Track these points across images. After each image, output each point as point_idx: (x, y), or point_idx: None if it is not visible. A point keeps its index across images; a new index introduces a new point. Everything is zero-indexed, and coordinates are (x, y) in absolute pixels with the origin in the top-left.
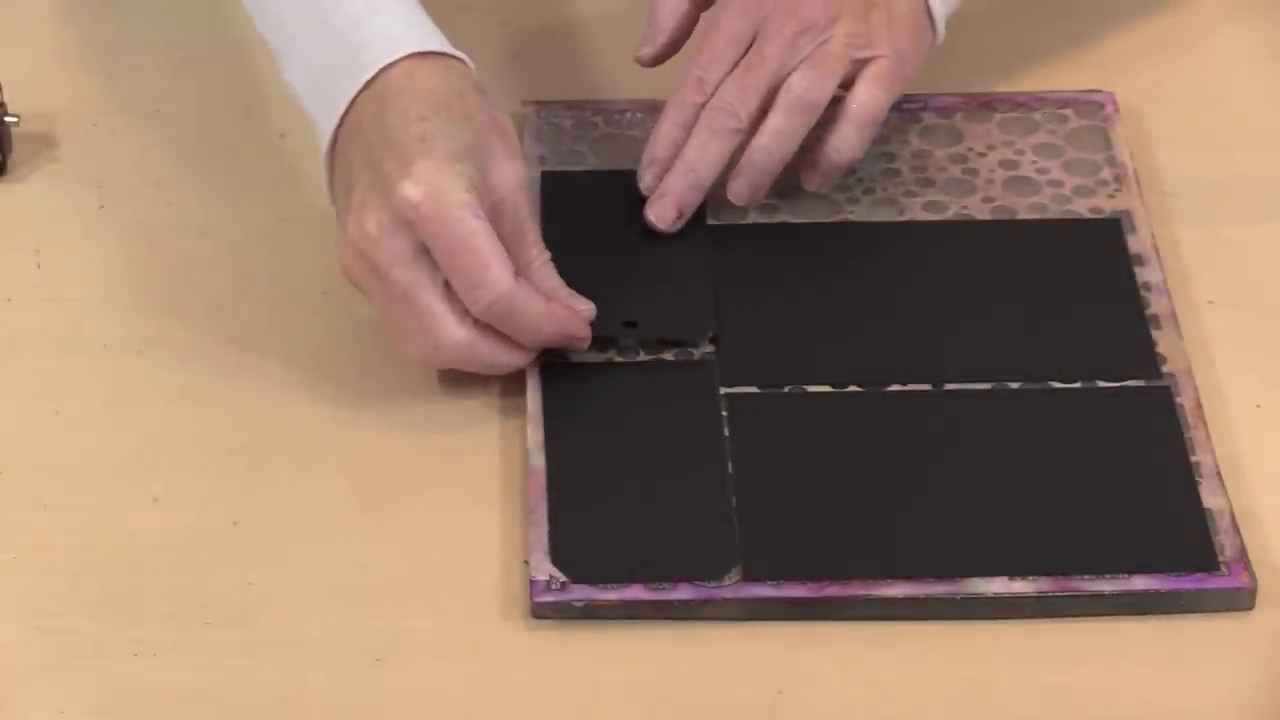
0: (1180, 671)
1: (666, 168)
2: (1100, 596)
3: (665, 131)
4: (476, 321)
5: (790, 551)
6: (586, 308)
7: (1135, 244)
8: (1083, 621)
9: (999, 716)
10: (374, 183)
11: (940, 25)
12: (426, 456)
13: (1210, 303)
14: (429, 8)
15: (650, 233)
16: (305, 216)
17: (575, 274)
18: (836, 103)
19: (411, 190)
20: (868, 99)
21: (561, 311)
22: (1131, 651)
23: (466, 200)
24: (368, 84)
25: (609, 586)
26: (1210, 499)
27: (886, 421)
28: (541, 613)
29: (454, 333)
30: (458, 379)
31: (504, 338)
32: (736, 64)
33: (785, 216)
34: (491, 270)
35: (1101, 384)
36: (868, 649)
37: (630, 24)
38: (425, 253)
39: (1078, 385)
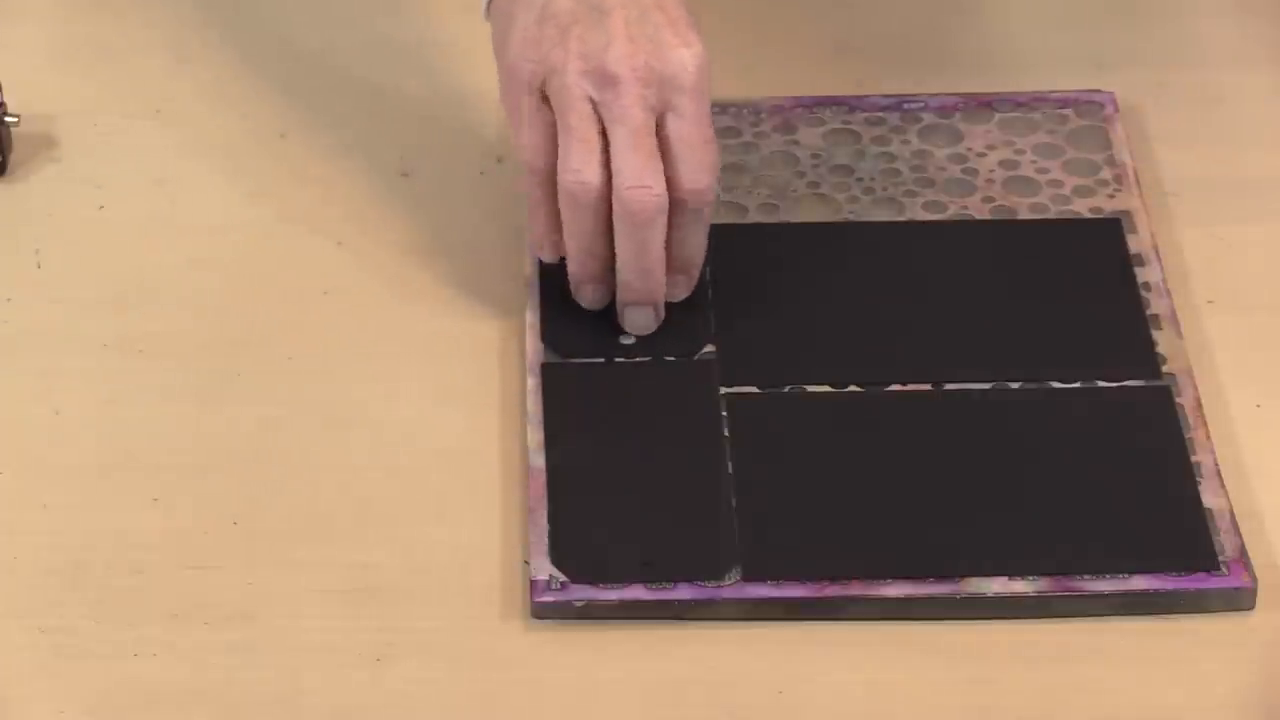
0: (1180, 671)
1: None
2: (1100, 596)
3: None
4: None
5: (790, 551)
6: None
7: (1135, 244)
8: (1083, 621)
9: (999, 716)
10: (642, 27)
11: None
12: (426, 456)
13: (1210, 303)
14: (429, 7)
15: None
16: (305, 216)
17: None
18: None
19: (692, 59)
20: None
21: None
22: (1131, 651)
23: None
24: None
25: (609, 586)
26: (1210, 499)
27: (886, 421)
28: (541, 613)
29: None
30: (457, 379)
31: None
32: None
33: (785, 216)
34: (717, 165)
35: (1101, 384)
36: (868, 649)
37: None
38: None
39: (1078, 385)
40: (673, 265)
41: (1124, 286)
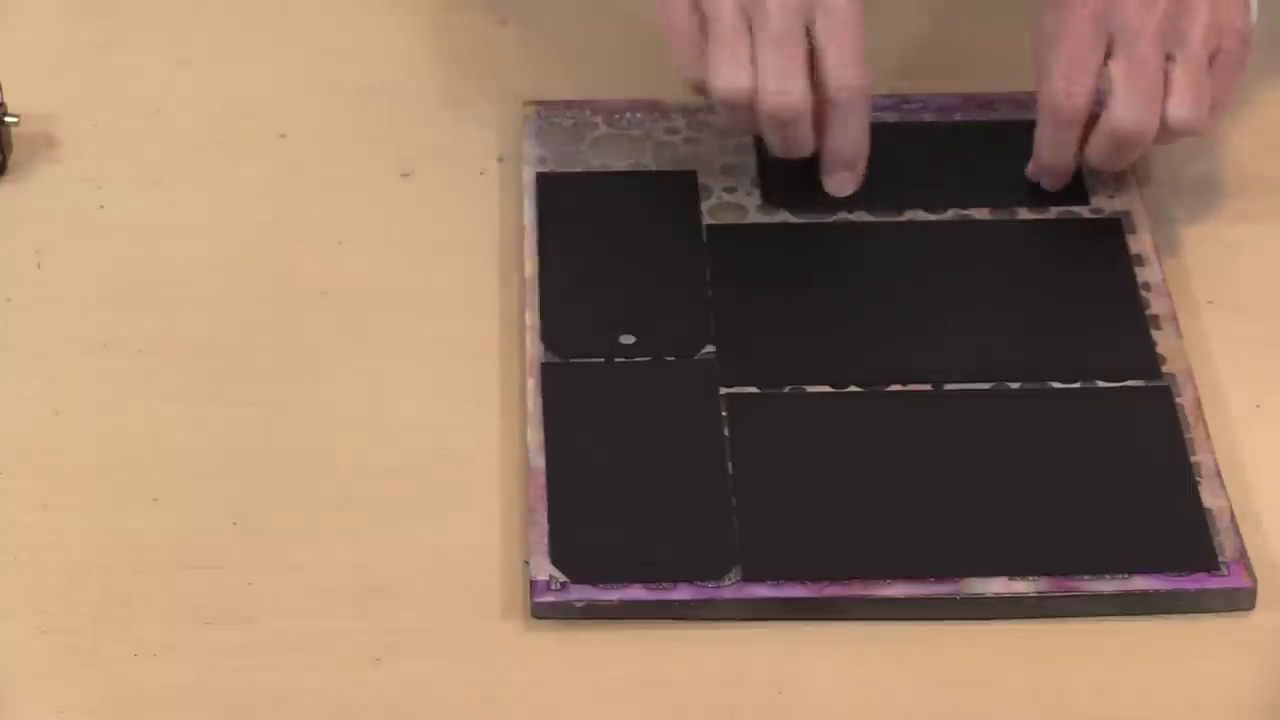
0: (1180, 671)
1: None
2: (1100, 596)
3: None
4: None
5: (790, 551)
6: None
7: (1135, 244)
8: (1083, 621)
9: (999, 716)
10: None
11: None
12: (426, 456)
13: (1210, 303)
14: (428, 7)
15: (649, 235)
16: (305, 217)
17: (573, 276)
18: None
19: None
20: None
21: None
22: (1131, 651)
23: None
24: None
25: (609, 586)
26: (1210, 499)
27: (886, 421)
28: (541, 613)
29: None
30: (457, 379)
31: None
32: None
33: (785, 216)
34: (863, 69)
35: (1101, 384)
36: (868, 649)
37: (630, 24)
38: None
39: (1078, 385)
40: (835, 162)
41: (1124, 286)
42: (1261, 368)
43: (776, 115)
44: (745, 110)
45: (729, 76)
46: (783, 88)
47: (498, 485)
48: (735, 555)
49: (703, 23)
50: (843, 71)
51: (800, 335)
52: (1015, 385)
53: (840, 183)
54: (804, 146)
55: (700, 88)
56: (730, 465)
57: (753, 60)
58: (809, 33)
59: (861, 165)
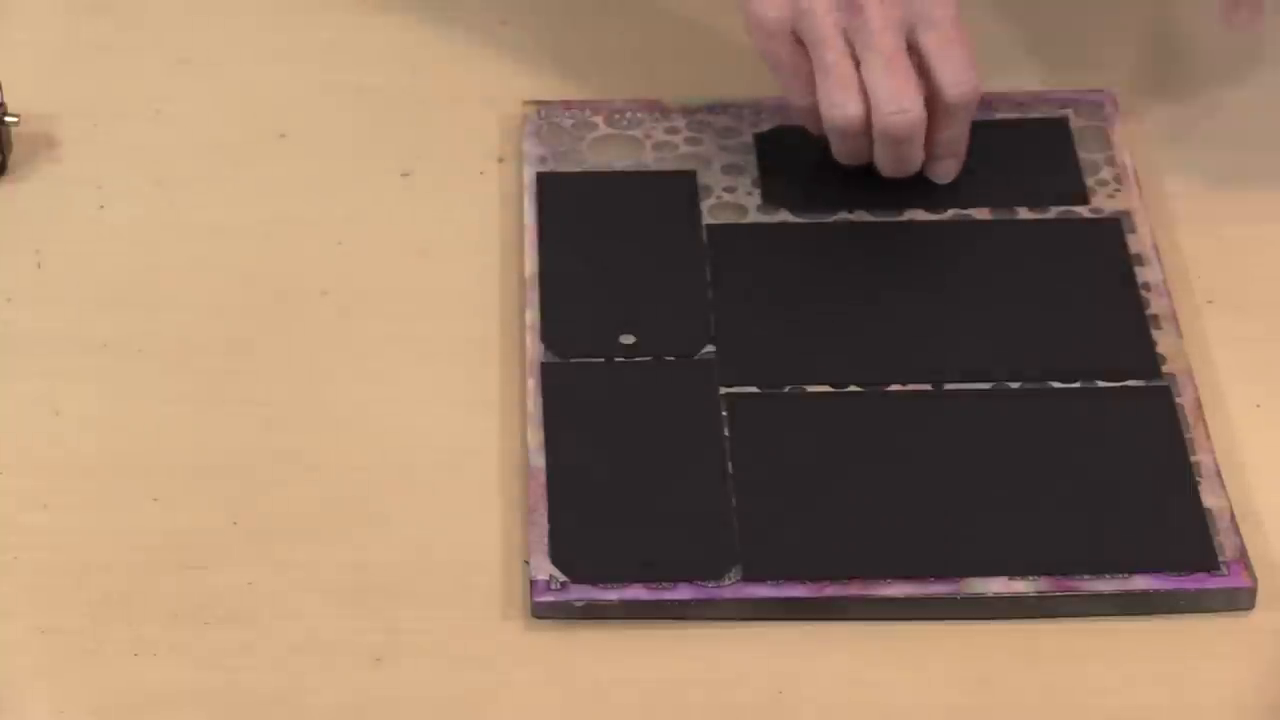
0: (1180, 671)
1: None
2: (1100, 596)
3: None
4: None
5: (790, 551)
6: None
7: (1135, 244)
8: (1083, 621)
9: (999, 716)
10: None
11: None
12: (426, 456)
13: (1210, 303)
14: (428, 7)
15: (648, 235)
16: (305, 217)
17: (573, 276)
18: None
19: None
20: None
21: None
22: (1131, 651)
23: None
24: None
25: (609, 586)
26: (1210, 499)
27: (886, 421)
28: (541, 613)
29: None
30: (457, 379)
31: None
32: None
33: (785, 216)
34: (975, 62)
35: (1101, 384)
36: (868, 649)
37: (630, 24)
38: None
39: (1078, 385)
40: (945, 151)
41: (1124, 286)
42: (1261, 368)
43: (895, 133)
44: (859, 136)
45: (843, 105)
46: (900, 106)
47: (497, 485)
48: (735, 555)
49: (805, 50)
50: (961, 79)
51: (800, 335)
52: (1015, 385)
53: (948, 169)
54: (915, 162)
55: (813, 117)
56: (730, 465)
57: (862, 82)
58: (912, 44)
59: (964, 151)
